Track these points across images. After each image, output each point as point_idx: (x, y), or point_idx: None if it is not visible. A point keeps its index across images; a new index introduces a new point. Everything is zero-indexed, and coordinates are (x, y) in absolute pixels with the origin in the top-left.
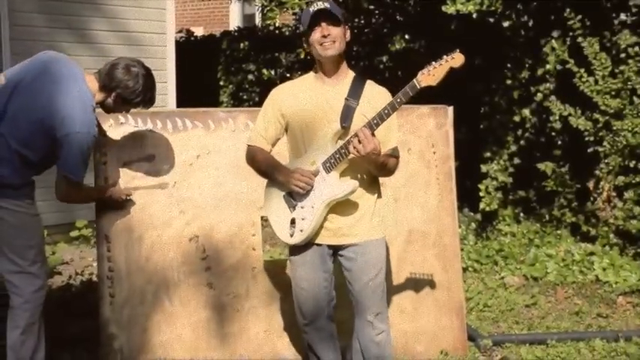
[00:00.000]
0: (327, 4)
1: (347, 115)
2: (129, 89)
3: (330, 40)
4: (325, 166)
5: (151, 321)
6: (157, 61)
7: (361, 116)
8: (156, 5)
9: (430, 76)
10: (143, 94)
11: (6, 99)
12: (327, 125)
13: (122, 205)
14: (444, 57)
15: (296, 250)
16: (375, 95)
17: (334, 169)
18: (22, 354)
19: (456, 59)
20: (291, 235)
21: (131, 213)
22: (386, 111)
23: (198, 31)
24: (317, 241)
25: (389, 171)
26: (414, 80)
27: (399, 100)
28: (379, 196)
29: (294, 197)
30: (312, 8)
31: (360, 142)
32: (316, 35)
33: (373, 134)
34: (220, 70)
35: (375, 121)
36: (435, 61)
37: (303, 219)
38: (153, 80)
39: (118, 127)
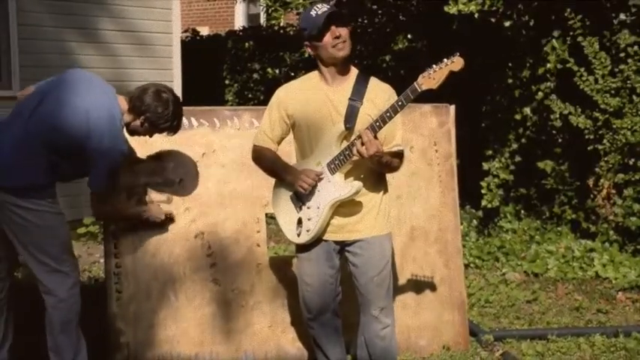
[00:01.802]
0: (332, 7)
1: (351, 116)
2: (158, 114)
3: (342, 40)
4: (330, 168)
5: (157, 316)
6: (163, 60)
7: (365, 116)
8: (162, 5)
9: (431, 79)
10: (171, 121)
11: (36, 103)
12: (332, 126)
13: (162, 224)
14: (445, 60)
15: (302, 246)
16: (379, 94)
17: (339, 171)
18: (63, 355)
19: (456, 63)
20: (298, 235)
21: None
22: (388, 114)
23: (204, 31)
24: (324, 237)
25: (392, 169)
26: (415, 83)
27: (400, 103)
28: (385, 192)
29: (300, 197)
30: (317, 11)
31: (363, 144)
32: (328, 38)
33: (376, 137)
34: (225, 69)
35: (378, 124)
36: (435, 64)
37: (309, 219)
38: (181, 108)
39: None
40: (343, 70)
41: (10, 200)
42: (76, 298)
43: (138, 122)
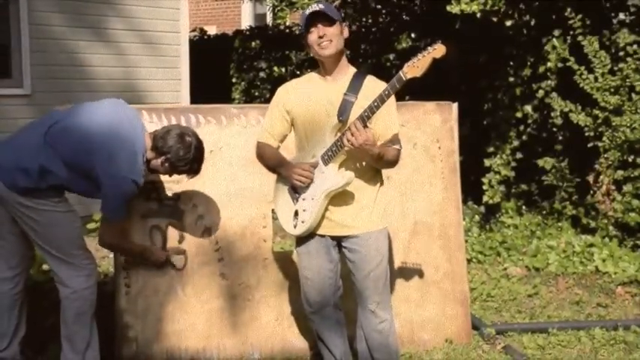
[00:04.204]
0: (321, 6)
1: (344, 110)
2: (178, 157)
3: (326, 39)
4: (323, 159)
5: (165, 310)
6: (171, 59)
7: (359, 111)
8: (170, 5)
9: (415, 67)
10: (191, 165)
11: (62, 117)
12: (327, 119)
13: (161, 265)
14: (428, 48)
15: (301, 241)
16: (374, 90)
17: (332, 162)
18: (75, 345)
19: (438, 50)
20: (295, 227)
21: (147, 206)
22: (375, 104)
23: (212, 30)
24: (320, 232)
25: (388, 162)
26: (400, 72)
27: (387, 92)
28: (380, 188)
29: (296, 190)
30: (307, 11)
31: (352, 134)
32: (313, 36)
33: (366, 126)
34: (232, 68)
35: (367, 114)
36: (419, 53)
37: (304, 210)
38: (203, 152)
39: None
40: (336, 66)
41: (15, 199)
42: (92, 290)
43: (159, 161)
